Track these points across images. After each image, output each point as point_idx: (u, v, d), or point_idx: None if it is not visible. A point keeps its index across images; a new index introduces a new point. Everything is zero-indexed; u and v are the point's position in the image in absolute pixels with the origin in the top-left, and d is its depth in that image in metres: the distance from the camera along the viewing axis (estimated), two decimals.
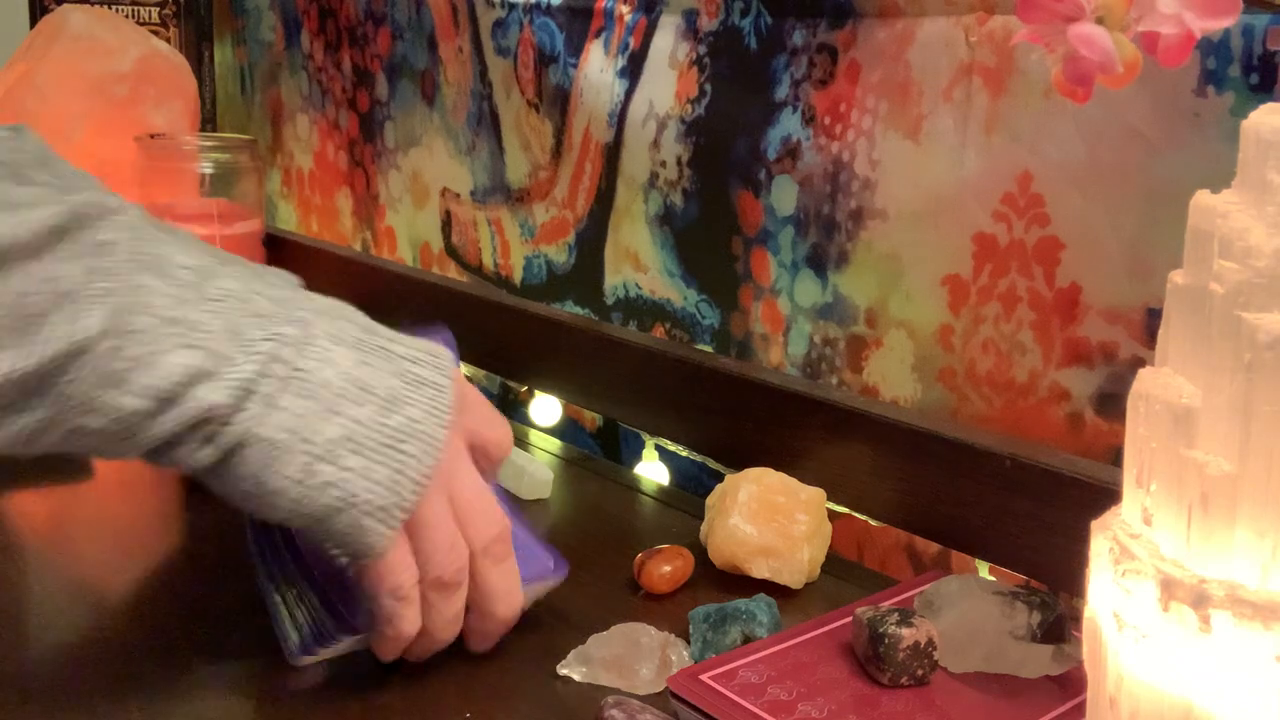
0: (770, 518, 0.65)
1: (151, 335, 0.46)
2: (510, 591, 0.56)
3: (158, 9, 1.42)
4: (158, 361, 0.46)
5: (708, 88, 0.85)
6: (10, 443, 0.45)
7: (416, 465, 0.50)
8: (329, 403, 0.49)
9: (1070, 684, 0.53)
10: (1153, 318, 0.62)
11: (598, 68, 0.93)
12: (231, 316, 0.47)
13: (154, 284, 0.46)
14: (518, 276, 1.06)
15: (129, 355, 0.45)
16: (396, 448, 0.50)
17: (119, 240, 0.46)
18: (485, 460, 0.57)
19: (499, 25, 1.03)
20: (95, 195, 0.47)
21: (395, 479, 0.50)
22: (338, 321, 0.51)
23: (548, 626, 0.61)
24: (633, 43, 0.90)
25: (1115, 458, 0.61)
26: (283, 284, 0.51)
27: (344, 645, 0.54)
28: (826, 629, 0.57)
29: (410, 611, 0.52)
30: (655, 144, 0.89)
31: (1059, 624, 0.54)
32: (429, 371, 0.53)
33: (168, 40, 1.41)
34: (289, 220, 1.41)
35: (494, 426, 0.57)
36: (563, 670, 0.56)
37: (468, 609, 0.55)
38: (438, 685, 0.55)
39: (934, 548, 0.73)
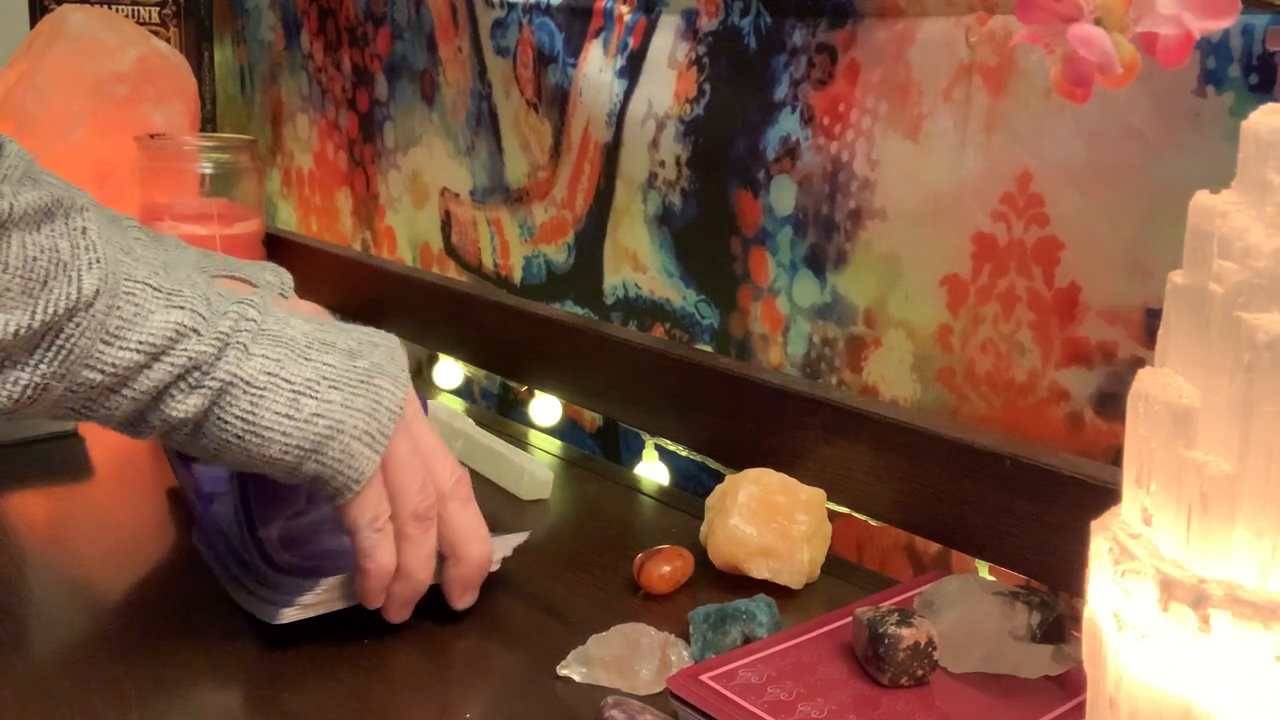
0: (770, 518, 0.65)
1: (141, 297, 0.51)
2: (478, 529, 0.60)
3: (158, 9, 1.42)
4: (149, 318, 0.51)
5: (707, 88, 0.85)
6: (14, 400, 0.49)
7: (390, 396, 0.56)
8: (300, 351, 0.54)
9: (1070, 684, 0.53)
10: (1152, 318, 0.62)
11: (597, 68, 0.93)
12: (200, 289, 0.53)
13: (131, 262, 0.52)
14: (517, 276, 1.06)
15: (123, 314, 0.51)
16: (369, 383, 0.55)
17: (92, 229, 0.51)
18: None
19: (498, 25, 1.03)
20: (62, 189, 0.52)
21: (374, 407, 0.55)
22: (289, 310, 0.57)
23: (548, 626, 0.61)
24: (632, 43, 0.90)
25: (1115, 458, 0.61)
26: (231, 288, 0.57)
27: (318, 597, 0.57)
28: (826, 629, 0.57)
29: (387, 543, 0.56)
30: (654, 144, 0.89)
31: (1059, 624, 0.54)
32: (380, 339, 0.59)
33: (168, 40, 1.41)
34: (289, 220, 1.41)
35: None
36: (563, 670, 0.56)
37: (443, 558, 0.59)
38: (438, 685, 0.55)
39: (934, 548, 0.73)
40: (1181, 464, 0.35)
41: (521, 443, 0.89)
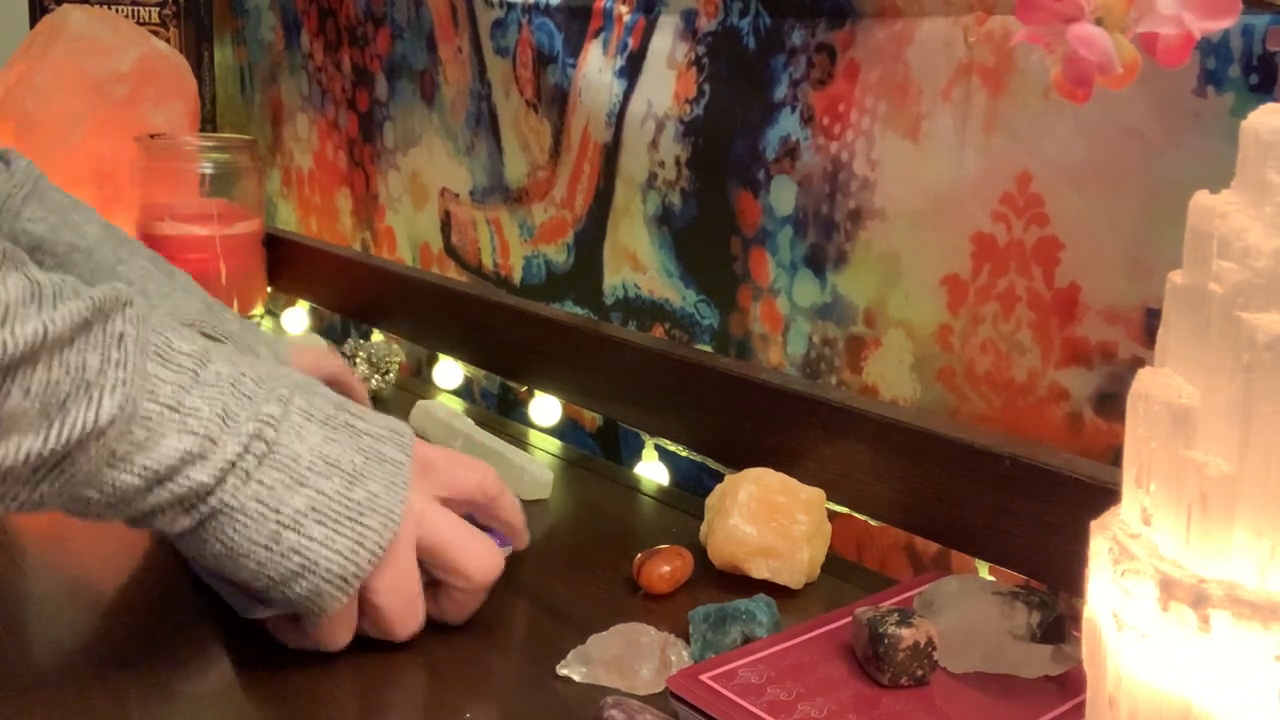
0: (770, 518, 0.65)
1: (155, 421, 0.50)
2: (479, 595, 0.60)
3: (158, 9, 1.42)
4: (158, 445, 0.50)
5: (706, 88, 0.85)
6: (7, 512, 0.49)
7: (375, 537, 0.54)
8: (299, 476, 0.53)
9: (1070, 684, 0.53)
10: (1152, 318, 0.62)
11: (596, 68, 0.93)
12: (224, 400, 0.52)
13: (159, 372, 0.51)
14: (517, 276, 1.06)
15: (134, 439, 0.49)
16: (358, 520, 0.54)
17: (129, 333, 0.50)
18: (477, 506, 0.62)
19: (498, 25, 1.03)
20: (109, 289, 0.50)
21: (355, 549, 0.53)
22: (312, 397, 0.56)
23: (548, 626, 0.61)
24: (631, 43, 0.90)
25: (1115, 458, 0.61)
26: (267, 358, 0.57)
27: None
28: (826, 629, 0.57)
29: (345, 637, 0.57)
30: (654, 144, 0.89)
31: (1059, 624, 0.54)
32: (390, 448, 0.56)
33: (168, 40, 1.41)
34: (289, 220, 1.41)
35: (469, 472, 0.61)
36: (563, 670, 0.56)
37: (439, 584, 0.59)
38: (438, 685, 0.55)
39: (934, 548, 0.73)
40: (1181, 464, 0.35)
41: (521, 443, 0.89)
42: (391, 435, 0.57)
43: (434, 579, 0.58)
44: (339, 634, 0.56)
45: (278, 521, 0.52)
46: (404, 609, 0.56)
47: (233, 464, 0.51)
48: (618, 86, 0.92)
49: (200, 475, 0.50)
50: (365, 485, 0.54)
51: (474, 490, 0.61)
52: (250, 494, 0.52)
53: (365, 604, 0.56)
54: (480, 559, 0.58)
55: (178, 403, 0.50)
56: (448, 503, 0.59)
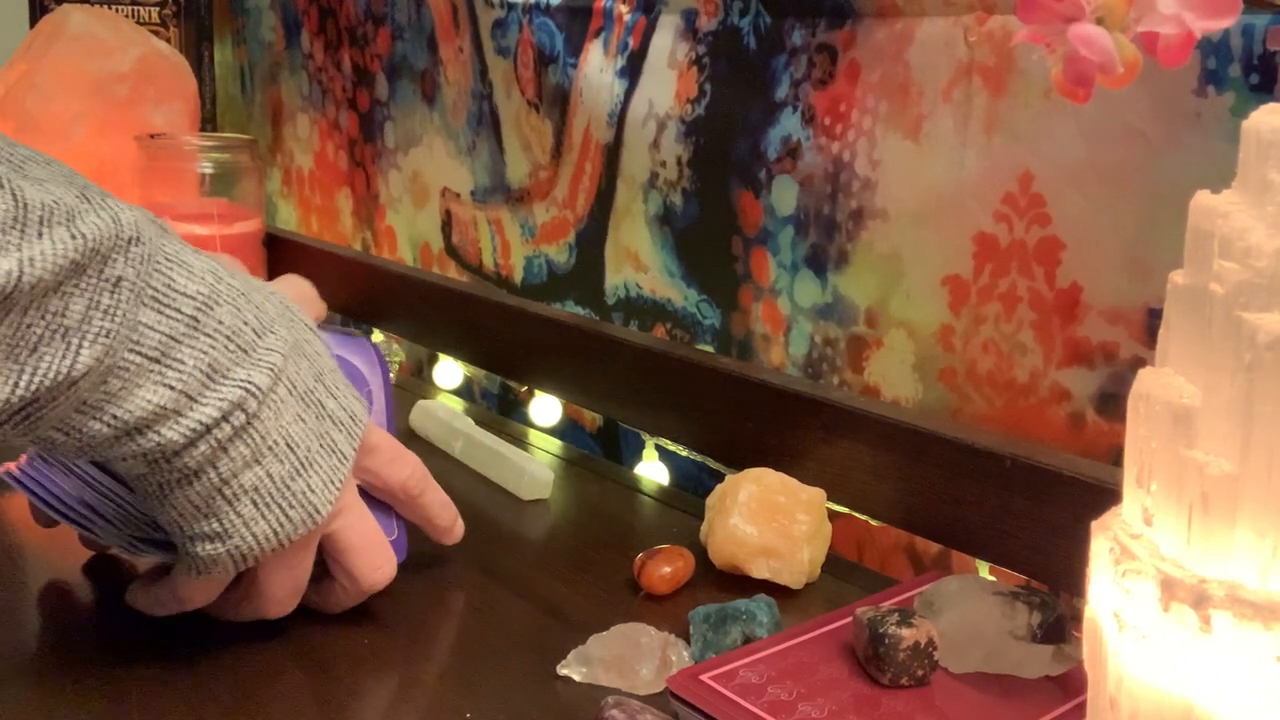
0: (770, 518, 0.65)
1: (134, 371, 0.48)
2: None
3: (158, 9, 1.42)
4: (132, 395, 0.48)
5: (707, 88, 0.85)
6: None
7: (291, 530, 0.54)
8: (258, 453, 0.52)
9: (1070, 684, 0.53)
10: (1153, 318, 0.62)
11: (597, 68, 0.93)
12: (215, 354, 0.50)
13: (152, 319, 0.48)
14: (518, 276, 1.06)
15: (108, 389, 0.47)
16: (285, 510, 0.54)
17: (126, 277, 0.47)
18: (397, 501, 0.62)
19: (499, 25, 1.03)
20: (110, 221, 0.46)
21: (269, 535, 0.54)
22: (300, 363, 0.54)
23: (548, 626, 0.61)
24: (632, 43, 0.90)
25: (1115, 458, 0.61)
26: (274, 306, 0.54)
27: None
28: (826, 629, 0.57)
29: (195, 605, 0.57)
30: (655, 144, 0.89)
31: (1059, 624, 0.54)
32: (342, 439, 0.56)
33: (168, 40, 1.41)
34: (289, 220, 1.41)
35: (398, 468, 0.61)
36: (563, 670, 0.56)
37: (326, 575, 0.59)
38: (438, 684, 0.55)
39: (934, 548, 0.73)
40: (1182, 464, 0.35)
41: (521, 443, 0.89)
42: (349, 423, 0.57)
43: (324, 569, 0.59)
44: (202, 596, 0.56)
45: (219, 491, 0.51)
46: (285, 597, 0.57)
47: (207, 429, 0.49)
48: (619, 86, 0.92)
49: (170, 434, 0.49)
50: (307, 477, 0.54)
51: (397, 487, 0.61)
52: (208, 465, 0.50)
53: (250, 576, 0.56)
54: (376, 571, 0.59)
55: (162, 353, 0.48)
56: (372, 488, 0.60)
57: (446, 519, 0.65)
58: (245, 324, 0.51)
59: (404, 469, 0.61)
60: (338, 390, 0.57)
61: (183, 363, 0.48)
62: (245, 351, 0.51)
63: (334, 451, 0.55)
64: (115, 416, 0.48)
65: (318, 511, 0.54)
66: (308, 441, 0.54)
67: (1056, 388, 0.67)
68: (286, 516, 0.54)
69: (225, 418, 0.50)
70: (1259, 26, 0.57)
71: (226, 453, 0.51)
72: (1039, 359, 0.68)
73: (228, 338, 0.50)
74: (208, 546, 0.53)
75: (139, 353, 0.47)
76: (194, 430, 0.49)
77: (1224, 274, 0.35)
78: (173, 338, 0.48)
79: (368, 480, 0.60)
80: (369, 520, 0.59)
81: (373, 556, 0.58)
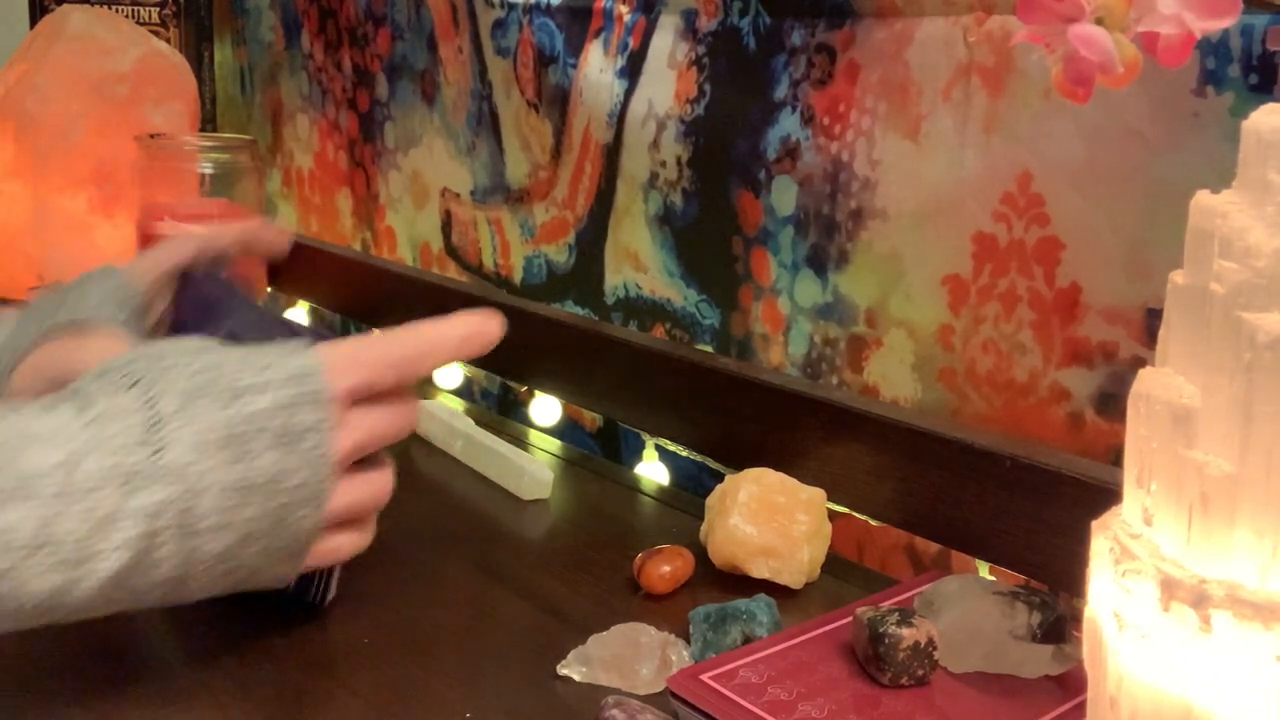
0: (770, 518, 0.65)
1: (18, 569, 0.45)
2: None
3: (158, 9, 1.42)
4: (24, 589, 0.46)
5: (707, 88, 0.85)
6: None
7: (309, 525, 0.52)
8: (211, 533, 0.50)
9: (1070, 684, 0.53)
10: (1153, 318, 0.62)
11: (597, 68, 0.93)
12: (100, 507, 0.47)
13: (13, 518, 0.45)
14: (518, 276, 1.06)
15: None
16: (284, 523, 0.51)
17: None
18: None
19: (499, 25, 1.03)
20: None
21: (292, 544, 0.53)
22: (201, 410, 0.50)
23: (548, 626, 0.61)
24: (632, 43, 0.90)
25: (1115, 458, 0.61)
26: (137, 413, 0.49)
27: None
28: (826, 629, 0.57)
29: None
30: (655, 144, 0.89)
31: (1059, 624, 0.54)
32: (302, 415, 0.51)
33: (168, 40, 1.41)
34: (289, 220, 1.41)
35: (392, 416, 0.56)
36: (563, 670, 0.56)
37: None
38: (438, 685, 0.55)
39: (934, 548, 0.73)
40: (1182, 464, 0.35)
41: (521, 443, 0.89)
42: (287, 407, 0.51)
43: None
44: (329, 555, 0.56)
45: (208, 566, 0.50)
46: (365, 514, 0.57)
47: (118, 574, 0.47)
48: (619, 86, 0.92)
49: (83, 593, 0.47)
50: (262, 573, 0.52)
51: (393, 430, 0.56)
52: (176, 577, 0.50)
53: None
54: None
55: (42, 542, 0.45)
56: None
57: (463, 328, 0.58)
58: (126, 448, 0.48)
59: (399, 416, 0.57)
60: (268, 394, 0.51)
61: (69, 534, 0.46)
62: (137, 474, 0.48)
63: (298, 487, 0.52)
64: (17, 609, 0.46)
65: (309, 518, 0.52)
66: (252, 470, 0.50)
67: (1056, 388, 0.67)
68: (283, 530, 0.52)
69: (138, 559, 0.48)
70: (1259, 26, 0.57)
71: (179, 554, 0.49)
72: (1038, 359, 0.68)
73: (111, 480, 0.47)
74: (275, 574, 0.53)
75: (13, 550, 0.45)
76: (105, 580, 0.47)
77: (1224, 274, 0.35)
78: (46, 522, 0.46)
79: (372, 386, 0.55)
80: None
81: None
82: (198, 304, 0.72)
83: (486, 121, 1.06)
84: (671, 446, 0.86)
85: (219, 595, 0.52)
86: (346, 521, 0.55)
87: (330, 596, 0.60)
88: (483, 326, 0.59)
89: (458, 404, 1.00)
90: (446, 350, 0.58)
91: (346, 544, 0.56)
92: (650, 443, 0.88)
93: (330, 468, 0.52)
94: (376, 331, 1.14)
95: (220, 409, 0.50)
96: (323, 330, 0.63)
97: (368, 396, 0.54)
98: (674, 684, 0.51)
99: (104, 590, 0.47)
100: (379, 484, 0.56)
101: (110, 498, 0.47)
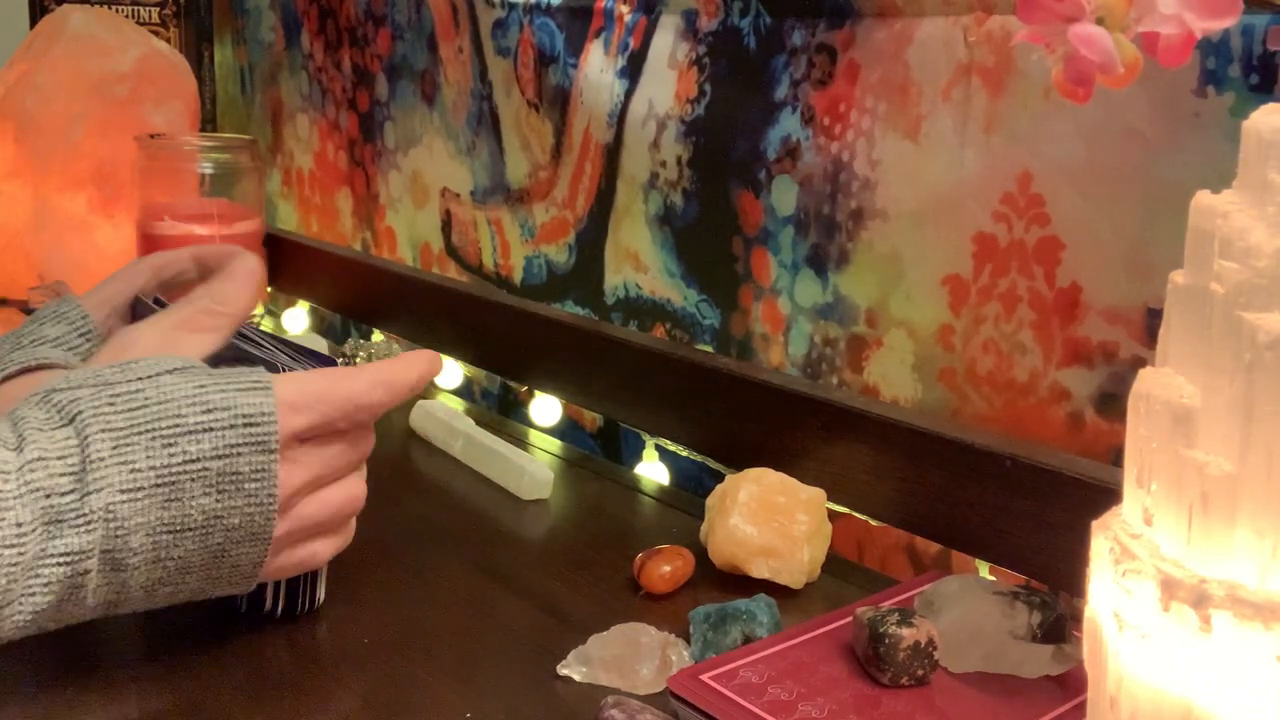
0: (770, 518, 0.65)
1: None
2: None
3: (158, 9, 1.42)
4: None
5: (707, 88, 0.85)
6: None
7: (250, 559, 0.53)
8: (144, 568, 0.50)
9: (1070, 684, 0.53)
10: (1153, 318, 0.62)
11: (598, 68, 0.93)
12: (25, 553, 0.47)
13: None
14: (518, 276, 1.06)
15: None
16: (222, 559, 0.52)
17: None
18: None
19: (499, 25, 1.03)
20: None
21: (233, 573, 0.53)
22: (134, 453, 0.49)
23: (548, 626, 0.61)
24: (632, 43, 0.90)
25: (1115, 458, 0.61)
26: (69, 455, 0.49)
27: None
28: (827, 629, 0.57)
29: None
30: (655, 144, 0.89)
31: (1059, 624, 0.54)
32: (246, 460, 0.51)
33: (168, 40, 1.41)
34: (289, 220, 1.41)
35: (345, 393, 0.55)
36: (563, 670, 0.56)
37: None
38: (438, 684, 0.55)
39: (934, 548, 0.73)
40: (1182, 464, 0.35)
41: (521, 443, 0.89)
42: (242, 431, 0.51)
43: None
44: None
45: (149, 590, 0.51)
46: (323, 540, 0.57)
47: (52, 608, 0.48)
48: (619, 86, 0.92)
49: (10, 626, 0.47)
50: (222, 525, 0.51)
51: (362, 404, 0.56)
52: (99, 601, 0.50)
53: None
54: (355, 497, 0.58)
55: None
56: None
57: (416, 371, 0.58)
58: (50, 496, 0.48)
59: (355, 389, 0.56)
60: (210, 397, 0.51)
61: None
62: (61, 522, 0.48)
63: (241, 480, 0.51)
64: None
65: (263, 536, 0.52)
66: (198, 504, 0.50)
67: (1056, 388, 0.67)
68: (231, 556, 0.52)
69: (64, 596, 0.48)
70: (1259, 26, 0.57)
71: (110, 586, 0.50)
72: (1039, 359, 0.68)
73: (34, 527, 0.47)
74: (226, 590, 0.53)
75: None
76: (34, 613, 0.48)
77: (1224, 274, 0.35)
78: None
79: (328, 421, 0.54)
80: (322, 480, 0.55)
81: (349, 489, 0.57)
82: None
83: (487, 121, 1.06)
84: (671, 446, 0.86)
85: (170, 606, 0.53)
86: (319, 531, 0.56)
87: (320, 601, 0.61)
88: (432, 366, 0.59)
89: (458, 404, 1.00)
90: (401, 393, 0.57)
91: (323, 549, 0.57)
92: (650, 443, 0.88)
93: (273, 510, 0.52)
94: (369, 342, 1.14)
95: (157, 450, 0.50)
96: (280, 348, 0.63)
97: (321, 434, 0.54)
98: (674, 684, 0.51)
99: (34, 622, 0.48)
100: (349, 491, 0.57)
101: (35, 541, 0.47)
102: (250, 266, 0.62)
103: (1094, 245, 0.64)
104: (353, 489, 0.57)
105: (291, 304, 1.29)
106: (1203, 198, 0.36)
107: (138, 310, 0.72)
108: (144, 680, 0.54)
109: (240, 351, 0.62)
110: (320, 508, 0.55)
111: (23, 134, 1.15)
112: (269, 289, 1.24)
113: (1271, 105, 0.36)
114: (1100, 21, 0.43)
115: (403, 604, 0.62)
